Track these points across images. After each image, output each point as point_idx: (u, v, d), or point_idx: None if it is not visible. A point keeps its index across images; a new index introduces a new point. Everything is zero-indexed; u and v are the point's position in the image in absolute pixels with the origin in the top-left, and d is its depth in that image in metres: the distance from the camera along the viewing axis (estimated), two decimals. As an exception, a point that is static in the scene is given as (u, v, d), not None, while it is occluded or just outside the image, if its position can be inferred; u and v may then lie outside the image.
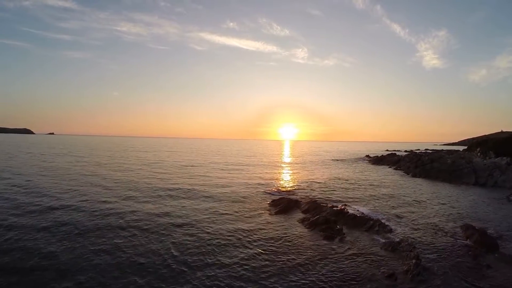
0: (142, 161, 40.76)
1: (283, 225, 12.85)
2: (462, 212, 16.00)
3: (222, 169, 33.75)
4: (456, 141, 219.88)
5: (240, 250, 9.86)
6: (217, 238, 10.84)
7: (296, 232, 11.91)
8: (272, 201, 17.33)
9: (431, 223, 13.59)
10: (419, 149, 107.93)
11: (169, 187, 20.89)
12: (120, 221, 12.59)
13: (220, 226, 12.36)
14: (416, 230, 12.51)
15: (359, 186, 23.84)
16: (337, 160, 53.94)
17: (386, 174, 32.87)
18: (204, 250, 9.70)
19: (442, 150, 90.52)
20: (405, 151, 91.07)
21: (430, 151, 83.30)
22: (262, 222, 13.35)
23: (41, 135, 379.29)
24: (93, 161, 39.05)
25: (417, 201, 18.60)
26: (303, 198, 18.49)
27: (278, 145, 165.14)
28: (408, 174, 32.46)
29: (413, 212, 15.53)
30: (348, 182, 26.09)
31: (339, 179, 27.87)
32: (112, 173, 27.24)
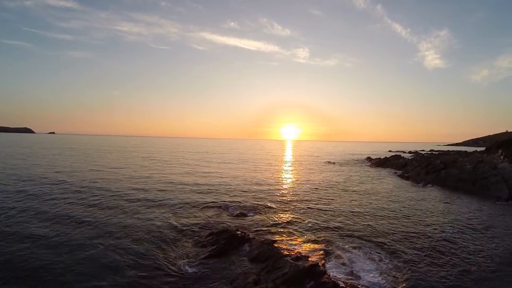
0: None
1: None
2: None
3: (182, 174, 27.17)
4: (460, 141, 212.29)
5: None
6: None
7: None
8: (208, 235, 10.78)
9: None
10: (423, 150, 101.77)
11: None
12: None
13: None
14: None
15: (356, 207, 17.00)
16: (334, 163, 47.03)
17: (392, 184, 25.98)
18: None
19: (448, 151, 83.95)
20: (409, 152, 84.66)
21: (436, 152, 76.70)
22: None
23: (42, 134, 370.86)
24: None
25: (441, 235, 11.88)
26: (260, 230, 11.84)
27: (276, 146, 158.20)
28: (418, 183, 25.59)
29: (444, 273, 8.82)
30: (341, 197, 19.32)
31: (330, 193, 20.97)
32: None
